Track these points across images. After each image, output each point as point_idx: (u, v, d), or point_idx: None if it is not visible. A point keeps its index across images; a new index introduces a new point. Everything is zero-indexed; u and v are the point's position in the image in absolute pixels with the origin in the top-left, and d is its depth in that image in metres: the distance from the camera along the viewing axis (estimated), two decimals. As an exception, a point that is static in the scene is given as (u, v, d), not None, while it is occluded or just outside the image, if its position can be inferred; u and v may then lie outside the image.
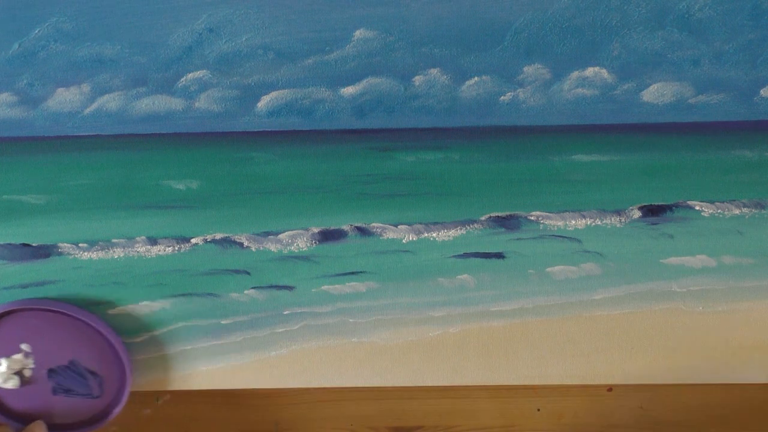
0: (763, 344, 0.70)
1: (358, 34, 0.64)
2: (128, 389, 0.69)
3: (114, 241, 0.68)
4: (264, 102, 0.66)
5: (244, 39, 0.64)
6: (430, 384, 0.72)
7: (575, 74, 0.65)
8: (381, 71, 0.65)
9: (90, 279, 0.68)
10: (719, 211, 0.68)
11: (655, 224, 0.68)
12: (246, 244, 0.69)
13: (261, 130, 0.66)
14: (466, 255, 0.69)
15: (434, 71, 0.65)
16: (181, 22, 0.64)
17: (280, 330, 0.70)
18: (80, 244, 0.68)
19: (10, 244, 0.68)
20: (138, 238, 0.68)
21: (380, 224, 0.68)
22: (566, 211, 0.68)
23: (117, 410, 0.70)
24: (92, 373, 0.70)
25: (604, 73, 0.65)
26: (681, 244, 0.69)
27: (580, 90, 0.65)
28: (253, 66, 0.65)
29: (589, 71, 0.65)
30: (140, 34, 0.64)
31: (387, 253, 0.69)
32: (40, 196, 0.67)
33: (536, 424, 0.73)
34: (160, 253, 0.68)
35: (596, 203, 0.68)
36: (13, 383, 0.69)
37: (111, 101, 0.66)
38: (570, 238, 0.68)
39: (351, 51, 0.65)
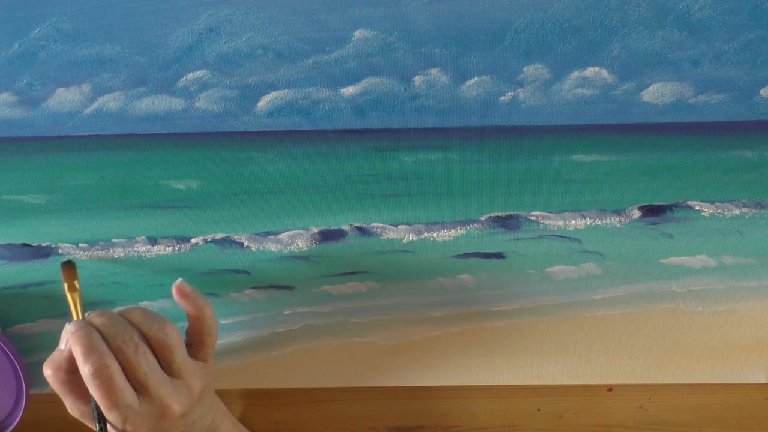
0: (763, 344, 0.70)
1: (358, 34, 0.64)
2: (16, 421, 0.68)
3: (114, 241, 0.68)
4: (264, 102, 0.66)
5: (244, 39, 0.64)
6: (430, 384, 0.72)
7: (575, 74, 0.65)
8: (381, 71, 0.65)
9: (90, 279, 0.68)
10: (719, 211, 0.68)
11: (655, 224, 0.68)
12: (246, 244, 0.69)
13: (261, 130, 0.66)
14: (466, 255, 0.69)
15: (434, 71, 0.65)
16: (181, 22, 0.64)
17: (281, 330, 0.70)
18: (80, 244, 0.68)
19: (10, 244, 0.68)
20: (138, 238, 0.68)
21: (380, 224, 0.68)
22: (566, 211, 0.68)
23: None
24: None
25: (604, 73, 0.65)
26: (681, 244, 0.69)
27: (580, 90, 0.65)
28: (253, 66, 0.65)
29: (589, 71, 0.65)
30: (140, 34, 0.64)
31: (387, 253, 0.69)
32: (40, 196, 0.67)
33: (536, 424, 0.73)
34: (160, 253, 0.68)
35: (596, 203, 0.68)
36: None
37: (111, 101, 0.66)
38: (570, 238, 0.69)
39: (351, 51, 0.65)
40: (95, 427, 0.57)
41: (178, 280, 0.61)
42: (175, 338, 0.58)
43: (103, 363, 0.55)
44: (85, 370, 0.55)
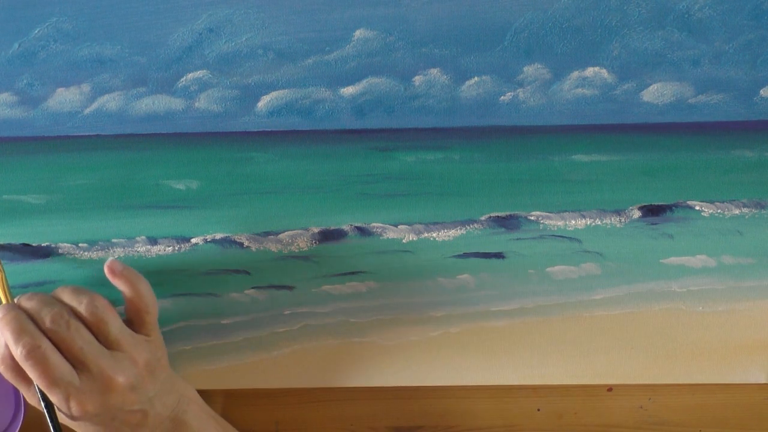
0: (763, 344, 0.70)
1: (358, 34, 0.64)
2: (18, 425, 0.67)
3: (114, 241, 0.68)
4: (264, 102, 0.66)
5: (244, 39, 0.64)
6: (430, 384, 0.72)
7: (575, 74, 0.65)
8: (381, 71, 0.65)
9: (90, 279, 0.68)
10: (719, 211, 0.68)
11: (655, 224, 0.68)
12: (246, 244, 0.69)
13: (261, 130, 0.66)
14: (466, 255, 0.69)
15: (434, 71, 0.65)
16: (181, 22, 0.64)
17: (281, 330, 0.70)
18: (80, 244, 0.68)
19: (10, 244, 0.68)
20: (138, 238, 0.68)
21: (380, 224, 0.68)
22: (566, 211, 0.68)
23: None
24: None
25: (604, 73, 0.65)
26: (681, 244, 0.69)
27: (580, 90, 0.65)
28: (253, 66, 0.65)
29: (589, 71, 0.65)
30: (140, 34, 0.64)
31: (387, 253, 0.69)
32: (40, 196, 0.67)
33: (536, 424, 0.73)
34: (160, 253, 0.68)
35: (596, 203, 0.68)
36: None
37: (111, 101, 0.66)
38: (570, 238, 0.69)
39: (351, 51, 0.65)
40: (43, 410, 0.57)
41: (109, 260, 0.61)
42: (106, 310, 0.58)
43: (34, 343, 0.55)
44: (17, 353, 0.55)
